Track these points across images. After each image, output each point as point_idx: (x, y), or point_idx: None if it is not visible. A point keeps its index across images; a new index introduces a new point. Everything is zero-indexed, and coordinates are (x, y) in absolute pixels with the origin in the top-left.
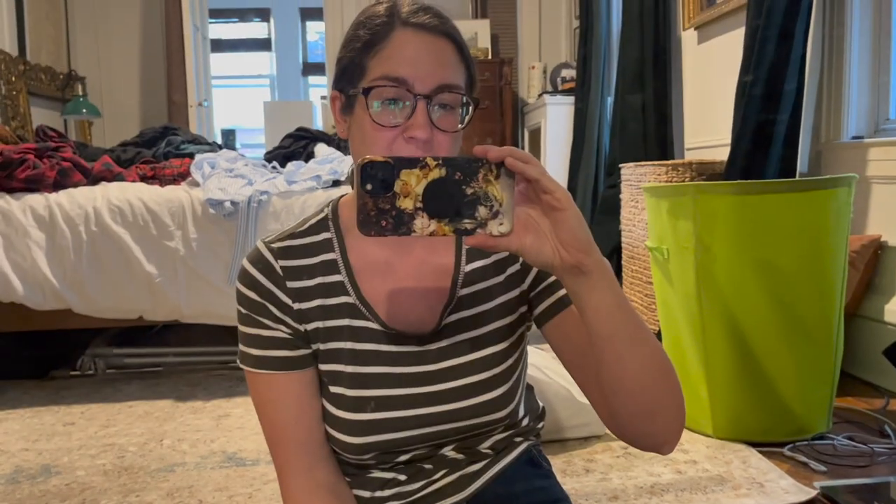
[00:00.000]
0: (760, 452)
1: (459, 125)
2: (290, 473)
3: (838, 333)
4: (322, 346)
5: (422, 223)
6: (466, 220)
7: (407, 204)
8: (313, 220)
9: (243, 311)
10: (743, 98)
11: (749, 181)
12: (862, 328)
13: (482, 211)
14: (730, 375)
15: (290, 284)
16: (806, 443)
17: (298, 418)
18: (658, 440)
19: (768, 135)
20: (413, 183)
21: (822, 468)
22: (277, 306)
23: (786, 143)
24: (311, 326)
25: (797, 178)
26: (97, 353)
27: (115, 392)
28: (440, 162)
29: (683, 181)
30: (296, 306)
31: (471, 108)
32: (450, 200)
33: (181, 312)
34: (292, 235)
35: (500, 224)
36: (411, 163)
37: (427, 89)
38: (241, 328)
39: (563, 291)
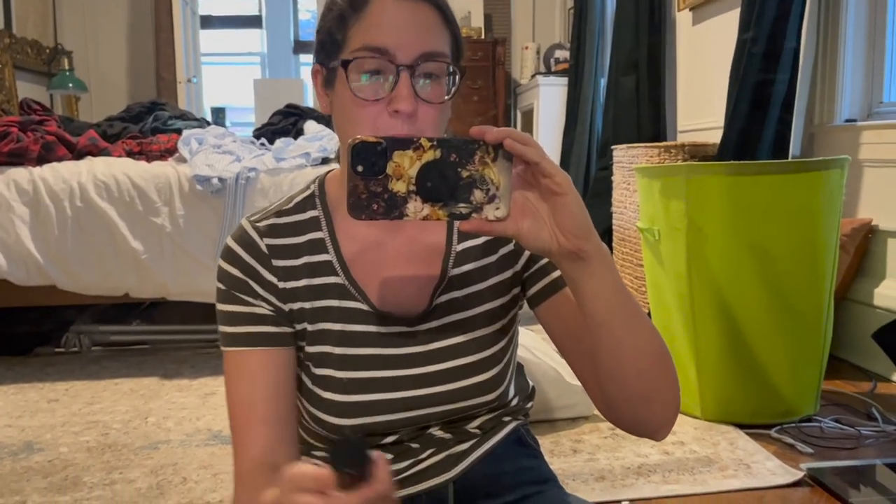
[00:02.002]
0: (748, 434)
1: (446, 96)
2: (246, 453)
3: (828, 316)
4: (309, 327)
5: (415, 207)
6: (461, 204)
7: (399, 187)
8: (299, 198)
9: (223, 287)
10: (742, 57)
11: (742, 162)
12: (851, 312)
13: (478, 194)
14: (719, 357)
15: (275, 263)
16: (793, 425)
17: (266, 397)
18: (652, 426)
19: (767, 95)
20: (406, 165)
21: (809, 450)
22: (261, 284)
23: (784, 105)
24: (296, 306)
25: (790, 157)
26: (82, 329)
27: (101, 369)
28: (435, 143)
29: (676, 163)
30: (281, 285)
31: (457, 78)
32: (444, 183)
33: (168, 290)
34: (278, 213)
35: (497, 208)
36: (404, 143)
37: (409, 59)
38: (220, 307)
39: (557, 273)
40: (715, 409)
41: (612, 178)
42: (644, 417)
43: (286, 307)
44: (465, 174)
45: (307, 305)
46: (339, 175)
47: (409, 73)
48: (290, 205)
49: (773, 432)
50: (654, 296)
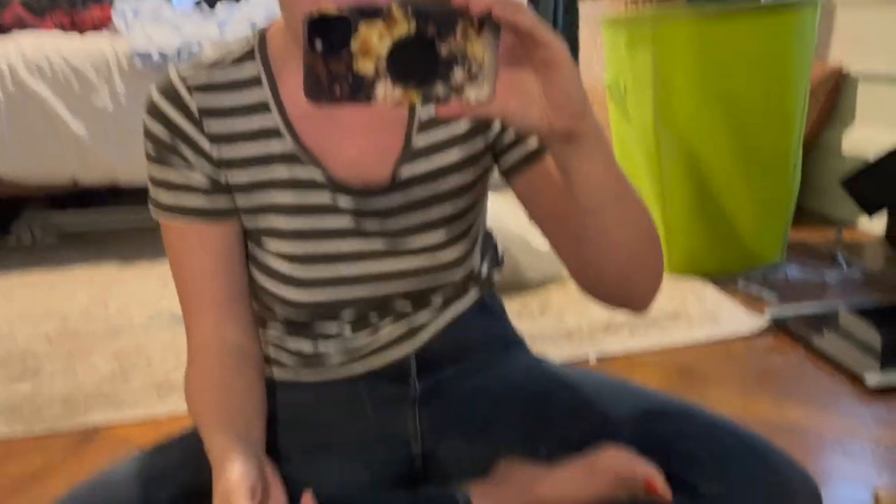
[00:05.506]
0: (714, 285)
1: None
2: (197, 334)
3: (795, 164)
4: (249, 200)
5: (385, 89)
6: (439, 86)
7: (367, 66)
8: (236, 52)
9: (150, 145)
10: None
11: (711, 4)
12: (819, 159)
13: (459, 74)
14: (686, 210)
15: (207, 125)
16: (759, 274)
17: (214, 273)
18: (635, 302)
19: None
20: (375, 40)
21: (774, 298)
22: (192, 148)
23: None
24: (233, 177)
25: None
26: (33, 218)
27: (56, 259)
28: (409, 13)
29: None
30: (215, 153)
31: None
32: (420, 62)
33: (117, 175)
34: (211, 66)
35: (480, 89)
36: (373, 14)
37: None
38: (150, 167)
39: (535, 142)
40: (682, 262)
41: (579, 33)
42: (627, 297)
43: (223, 178)
44: (444, 50)
45: (246, 177)
46: (284, 27)
47: None
48: (227, 60)
49: (739, 282)
50: (620, 152)
